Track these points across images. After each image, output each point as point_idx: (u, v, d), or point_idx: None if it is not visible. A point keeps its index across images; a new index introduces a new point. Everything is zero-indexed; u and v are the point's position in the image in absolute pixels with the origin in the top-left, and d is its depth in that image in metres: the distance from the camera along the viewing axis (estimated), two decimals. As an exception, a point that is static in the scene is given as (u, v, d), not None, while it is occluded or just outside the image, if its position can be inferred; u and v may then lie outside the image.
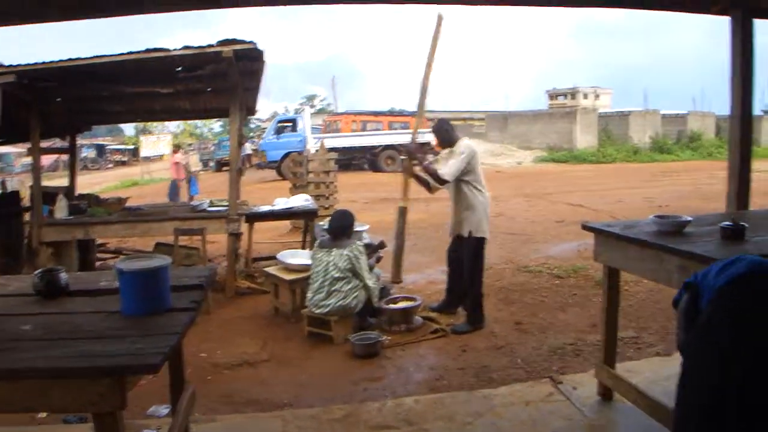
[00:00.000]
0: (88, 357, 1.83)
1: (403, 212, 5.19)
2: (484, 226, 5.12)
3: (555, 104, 43.13)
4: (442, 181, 5.01)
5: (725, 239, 2.81)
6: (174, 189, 14.90)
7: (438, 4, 5.00)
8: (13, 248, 6.66)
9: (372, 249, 5.63)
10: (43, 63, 5.55)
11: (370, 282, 4.97)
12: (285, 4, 4.63)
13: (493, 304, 5.65)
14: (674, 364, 3.91)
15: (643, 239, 2.96)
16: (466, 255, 5.15)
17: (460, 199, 5.13)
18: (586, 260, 7.08)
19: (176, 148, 17.87)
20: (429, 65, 5.13)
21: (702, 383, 1.37)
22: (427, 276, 6.86)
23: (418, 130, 5.46)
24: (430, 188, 5.27)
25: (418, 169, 5.23)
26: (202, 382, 4.11)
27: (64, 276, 2.51)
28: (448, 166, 4.99)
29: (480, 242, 5.12)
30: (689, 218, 3.10)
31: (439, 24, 5.03)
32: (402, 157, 5.31)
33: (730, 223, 2.84)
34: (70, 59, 5.49)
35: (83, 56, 5.49)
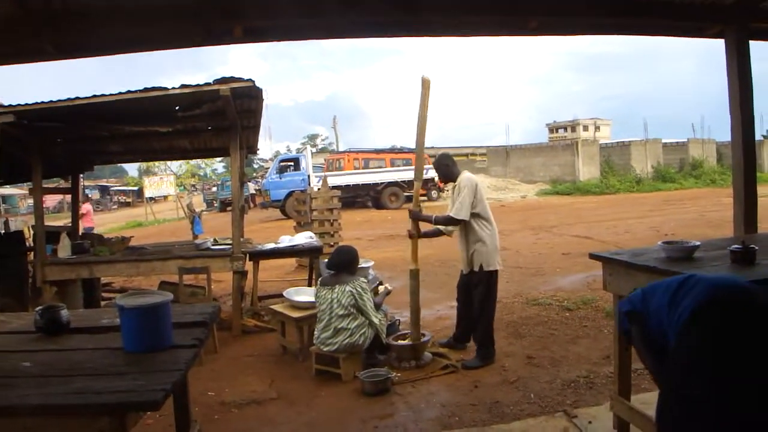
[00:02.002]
0: (86, 394, 1.78)
1: (415, 275, 5.17)
2: (495, 259, 5.10)
3: (555, 137, 43.32)
4: (458, 221, 5.01)
5: (735, 262, 2.76)
6: None
7: (423, 36, 5.04)
8: (17, 287, 6.64)
9: (376, 286, 5.58)
10: (43, 103, 5.61)
11: (376, 319, 4.88)
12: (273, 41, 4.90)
13: (504, 338, 5.56)
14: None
15: (652, 266, 2.91)
16: (477, 289, 5.10)
17: (467, 233, 5.11)
18: (595, 291, 6.99)
19: (86, 198, 18.59)
20: (421, 129, 5.07)
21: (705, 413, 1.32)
22: (435, 312, 6.77)
23: (425, 167, 5.40)
24: (442, 234, 5.35)
25: (429, 228, 5.29)
26: (209, 421, 4.04)
27: (65, 313, 2.48)
28: (456, 206, 4.99)
29: (492, 275, 5.10)
30: (697, 243, 3.06)
31: (425, 88, 4.98)
32: (410, 230, 5.27)
33: (740, 246, 2.78)
34: (69, 99, 5.55)
35: (82, 96, 5.55)
